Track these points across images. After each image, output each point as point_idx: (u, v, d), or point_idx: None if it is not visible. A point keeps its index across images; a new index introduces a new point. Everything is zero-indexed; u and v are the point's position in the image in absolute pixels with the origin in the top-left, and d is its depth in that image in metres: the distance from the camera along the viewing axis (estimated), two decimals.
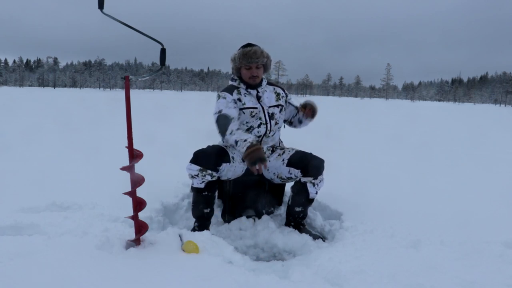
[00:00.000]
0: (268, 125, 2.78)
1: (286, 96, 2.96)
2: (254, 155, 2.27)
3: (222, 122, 2.52)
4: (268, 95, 2.84)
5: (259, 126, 2.75)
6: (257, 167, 2.28)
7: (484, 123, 16.92)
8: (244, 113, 2.71)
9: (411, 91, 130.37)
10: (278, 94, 2.89)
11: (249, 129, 2.74)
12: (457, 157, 6.22)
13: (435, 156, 6.17)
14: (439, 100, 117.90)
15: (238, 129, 2.49)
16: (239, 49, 2.73)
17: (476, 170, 5.15)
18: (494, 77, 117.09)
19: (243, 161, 2.52)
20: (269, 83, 2.93)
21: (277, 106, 2.84)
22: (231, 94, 2.71)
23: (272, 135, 2.85)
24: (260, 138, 2.79)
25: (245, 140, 2.35)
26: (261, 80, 2.82)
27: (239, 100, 2.73)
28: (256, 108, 2.74)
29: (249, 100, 2.75)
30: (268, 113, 2.79)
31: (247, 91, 2.77)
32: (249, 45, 2.72)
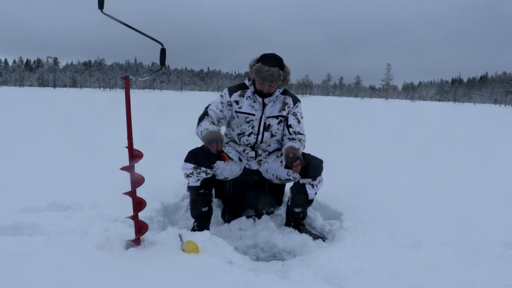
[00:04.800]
0: (260, 136, 2.71)
1: (295, 107, 2.76)
2: (211, 135, 2.34)
3: (200, 119, 2.62)
4: (274, 104, 2.71)
5: (249, 135, 2.70)
6: (213, 146, 2.34)
7: (484, 123, 16.93)
8: (238, 117, 2.68)
9: (411, 91, 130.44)
10: (284, 104, 2.73)
11: (239, 135, 2.71)
12: (457, 157, 6.22)
13: (435, 156, 6.18)
14: (439, 100, 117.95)
15: (205, 121, 2.55)
16: (259, 61, 2.54)
17: (476, 170, 5.15)
18: (494, 77, 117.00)
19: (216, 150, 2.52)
20: (284, 92, 2.76)
21: (277, 117, 2.71)
22: (231, 94, 2.69)
23: (266, 146, 2.78)
24: (252, 147, 2.75)
25: (206, 129, 2.43)
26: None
27: (236, 102, 2.68)
28: (253, 115, 2.67)
29: (248, 105, 2.68)
30: (265, 123, 2.69)
31: (254, 95, 2.68)
32: (269, 61, 2.51)
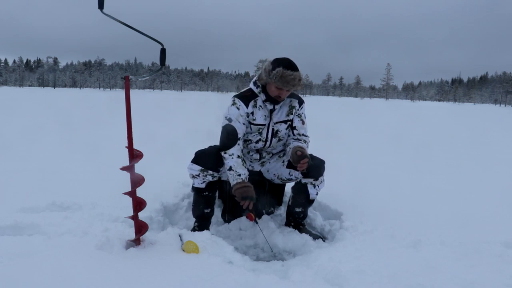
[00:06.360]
0: (268, 142, 2.68)
1: (300, 108, 2.72)
2: (245, 191, 2.35)
3: (229, 135, 2.49)
4: (282, 109, 2.65)
5: (257, 142, 2.67)
6: (246, 203, 2.35)
7: (484, 123, 16.93)
8: (252, 128, 2.62)
9: (411, 91, 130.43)
10: (292, 108, 2.68)
11: (247, 141, 2.68)
12: (457, 157, 6.22)
13: (435, 156, 6.18)
14: (439, 100, 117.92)
15: (238, 156, 2.45)
16: (279, 66, 2.43)
17: (476, 170, 5.15)
18: (494, 77, 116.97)
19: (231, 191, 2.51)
20: (289, 94, 2.67)
21: (285, 122, 2.66)
22: (247, 105, 2.56)
23: (272, 150, 2.76)
24: (257, 150, 2.73)
25: (239, 175, 2.40)
26: None
27: (252, 113, 2.58)
28: (264, 125, 2.62)
29: (261, 116, 2.59)
30: (273, 129, 2.64)
31: (264, 104, 2.59)
32: (290, 66, 2.45)
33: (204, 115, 13.42)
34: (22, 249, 1.98)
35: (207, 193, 2.59)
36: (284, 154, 2.78)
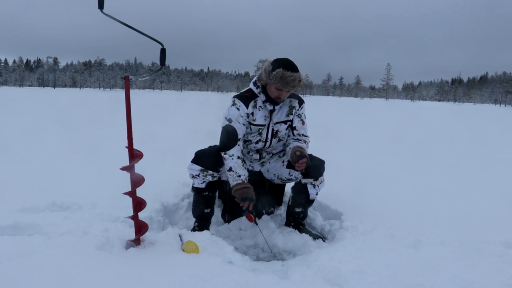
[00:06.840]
0: (268, 142, 2.67)
1: (300, 108, 2.71)
2: (244, 192, 2.36)
3: (230, 136, 2.48)
4: (281, 109, 2.64)
5: (257, 142, 2.67)
6: (246, 204, 2.35)
7: (484, 123, 16.93)
8: (251, 129, 2.62)
9: (411, 91, 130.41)
10: (292, 108, 2.67)
11: (247, 141, 2.67)
12: (457, 157, 6.22)
13: (435, 156, 6.18)
14: (439, 100, 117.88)
15: (238, 157, 2.45)
16: (279, 66, 2.42)
17: (476, 170, 5.15)
18: (494, 77, 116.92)
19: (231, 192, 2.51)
20: (289, 95, 2.66)
21: (285, 122, 2.66)
22: (247, 106, 2.55)
23: (272, 150, 2.76)
24: (257, 150, 2.73)
25: (239, 176, 2.40)
26: None
27: (252, 114, 2.58)
28: (264, 125, 2.62)
29: (261, 116, 2.59)
30: (273, 130, 2.64)
31: (264, 104, 2.59)
32: (290, 67, 2.44)
33: (204, 115, 13.42)
34: (22, 249, 1.98)
35: (207, 193, 2.59)
36: (284, 154, 2.78)
